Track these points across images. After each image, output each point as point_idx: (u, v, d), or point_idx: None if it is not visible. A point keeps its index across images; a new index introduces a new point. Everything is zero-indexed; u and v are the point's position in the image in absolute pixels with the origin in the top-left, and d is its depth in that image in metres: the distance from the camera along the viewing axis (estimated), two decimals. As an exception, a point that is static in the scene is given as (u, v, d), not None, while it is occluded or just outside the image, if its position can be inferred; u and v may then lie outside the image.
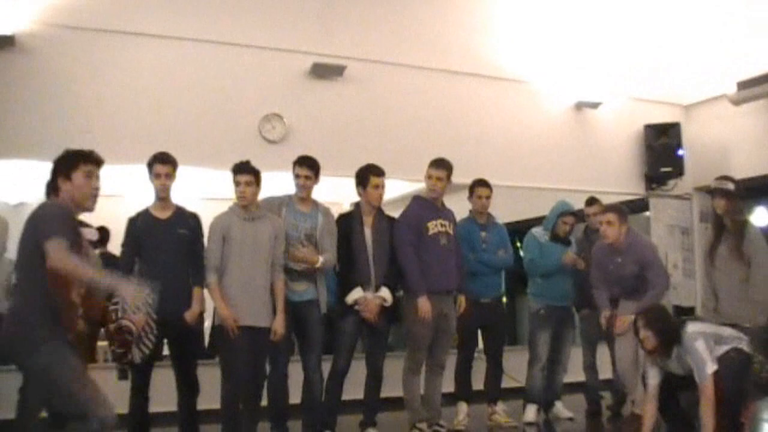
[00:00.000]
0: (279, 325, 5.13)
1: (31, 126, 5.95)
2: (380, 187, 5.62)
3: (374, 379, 5.65)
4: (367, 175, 5.62)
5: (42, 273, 3.41)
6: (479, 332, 6.32)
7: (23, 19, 5.95)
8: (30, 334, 3.41)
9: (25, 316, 3.48)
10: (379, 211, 5.69)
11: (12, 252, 5.13)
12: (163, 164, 5.09)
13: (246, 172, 5.16)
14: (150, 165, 5.12)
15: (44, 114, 5.98)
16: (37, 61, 6.02)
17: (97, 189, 3.69)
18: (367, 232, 5.59)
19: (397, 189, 6.95)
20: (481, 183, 6.25)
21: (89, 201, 3.67)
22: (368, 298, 5.47)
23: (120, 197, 7.63)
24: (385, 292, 5.54)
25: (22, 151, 5.97)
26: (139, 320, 4.66)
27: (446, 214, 5.84)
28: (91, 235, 5.14)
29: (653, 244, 6.35)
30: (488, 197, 6.23)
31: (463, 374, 6.20)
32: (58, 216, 3.50)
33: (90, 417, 3.32)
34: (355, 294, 5.46)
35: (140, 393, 4.98)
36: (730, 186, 5.55)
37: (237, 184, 5.15)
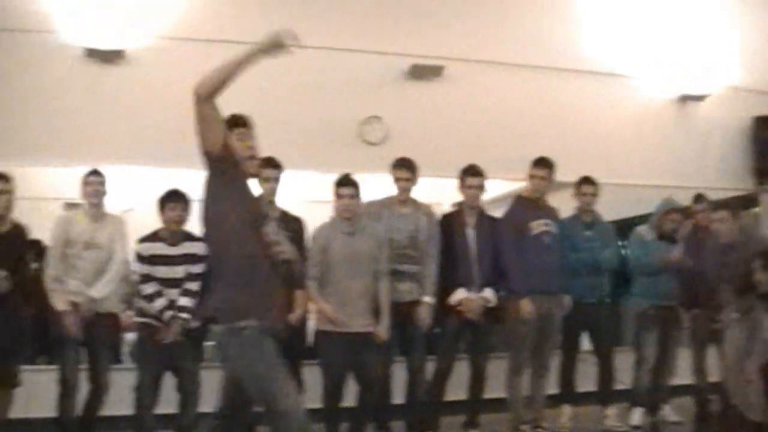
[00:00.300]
0: (382, 331, 5.16)
1: (140, 133, 6.18)
2: (476, 187, 5.61)
3: (477, 379, 5.64)
4: (464, 176, 5.63)
5: (227, 236, 3.29)
6: (584, 333, 6.21)
7: (132, 34, 6.17)
8: (227, 316, 3.29)
9: (220, 294, 3.36)
10: (481, 212, 5.69)
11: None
12: (273, 168, 5.21)
13: (349, 184, 5.21)
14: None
15: (153, 122, 6.20)
16: (146, 73, 6.23)
17: (252, 148, 3.51)
18: (470, 232, 5.60)
19: (498, 188, 6.91)
20: (586, 181, 6.17)
21: (248, 163, 3.47)
22: (471, 298, 5.47)
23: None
24: (488, 293, 5.54)
25: (131, 158, 6.23)
26: None
27: (549, 213, 5.81)
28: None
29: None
30: (593, 195, 6.14)
31: (566, 376, 6.12)
32: None
33: (278, 409, 3.19)
34: (459, 295, 5.46)
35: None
36: None
37: (339, 196, 5.20)
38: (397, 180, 5.47)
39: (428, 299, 5.39)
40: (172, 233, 5.12)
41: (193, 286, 5.12)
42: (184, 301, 5.08)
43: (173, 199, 5.12)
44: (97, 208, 5.23)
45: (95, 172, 5.27)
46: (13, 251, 5.02)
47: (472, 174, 5.63)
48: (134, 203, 7.58)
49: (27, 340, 5.26)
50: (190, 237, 5.15)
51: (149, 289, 5.07)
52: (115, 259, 5.21)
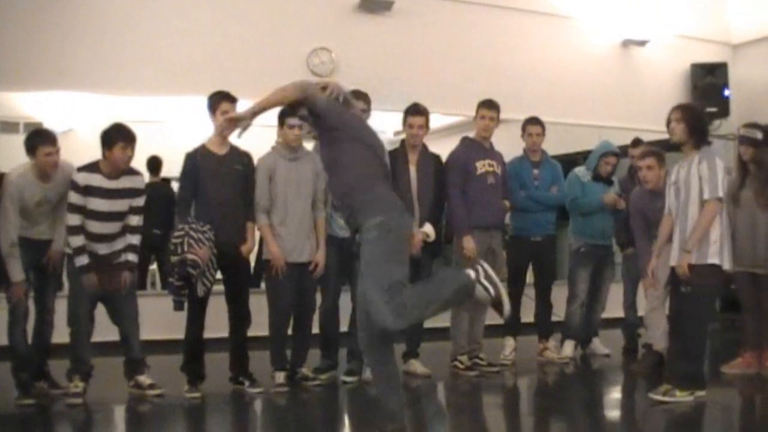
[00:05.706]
0: (320, 258, 5.30)
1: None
2: (416, 126, 5.63)
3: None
4: (406, 115, 5.69)
5: None
6: (529, 268, 6.39)
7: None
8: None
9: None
10: (423, 149, 5.75)
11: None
12: (231, 103, 5.12)
13: (295, 115, 5.21)
14: (216, 102, 5.14)
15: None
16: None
17: None
18: (412, 170, 5.65)
19: (439, 121, 6.98)
20: (533, 121, 6.29)
21: None
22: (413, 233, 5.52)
23: (161, 123, 7.84)
24: (428, 228, 5.62)
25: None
26: (204, 254, 4.86)
27: (495, 155, 5.92)
28: None
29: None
30: (539, 135, 6.26)
31: (511, 309, 6.26)
32: None
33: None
34: None
35: (197, 322, 5.12)
36: (758, 135, 5.52)
37: (291, 127, 5.22)
38: None
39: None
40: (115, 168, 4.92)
41: (136, 221, 5.07)
42: (134, 240, 5.07)
43: (125, 140, 4.88)
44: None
45: (51, 141, 4.87)
46: None
47: (414, 113, 5.66)
48: (73, 124, 7.48)
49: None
50: (129, 171, 5.03)
51: (73, 221, 4.85)
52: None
